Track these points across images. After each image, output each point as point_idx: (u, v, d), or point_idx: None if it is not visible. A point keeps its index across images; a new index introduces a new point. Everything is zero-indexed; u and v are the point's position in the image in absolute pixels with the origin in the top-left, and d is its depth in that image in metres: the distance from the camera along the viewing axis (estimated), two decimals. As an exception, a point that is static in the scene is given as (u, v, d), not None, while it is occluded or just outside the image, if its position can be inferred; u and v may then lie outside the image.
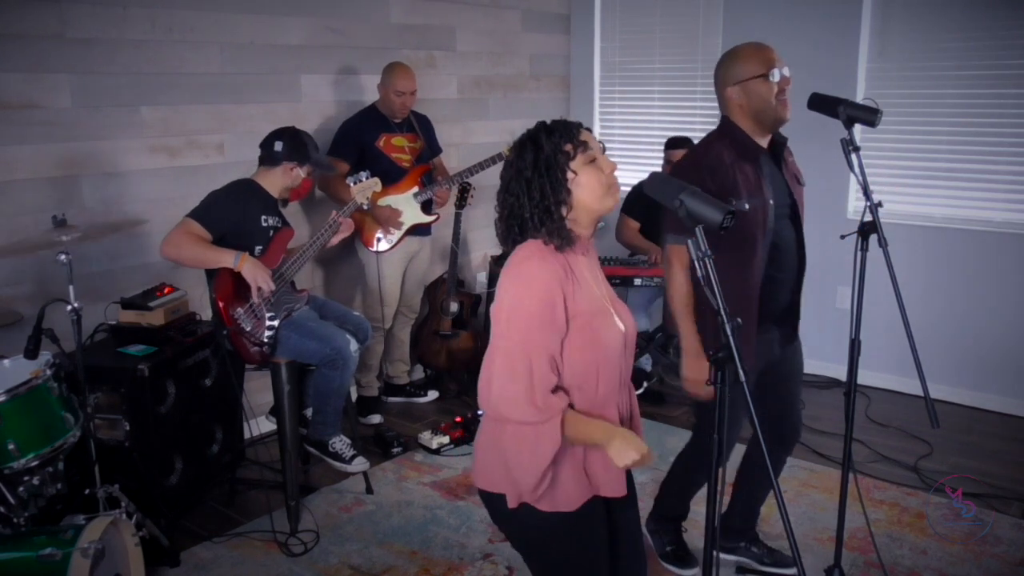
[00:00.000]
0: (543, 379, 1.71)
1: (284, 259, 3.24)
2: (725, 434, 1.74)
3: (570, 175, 1.77)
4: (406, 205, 4.17)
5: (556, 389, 1.75)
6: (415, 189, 4.20)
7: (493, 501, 1.88)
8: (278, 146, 3.22)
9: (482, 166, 4.23)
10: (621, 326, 1.85)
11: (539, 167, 1.77)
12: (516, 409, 1.73)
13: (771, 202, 2.44)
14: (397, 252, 4.21)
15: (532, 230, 1.79)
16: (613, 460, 1.73)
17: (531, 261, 1.76)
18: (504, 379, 1.73)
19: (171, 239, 3.01)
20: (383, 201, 4.09)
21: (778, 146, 2.56)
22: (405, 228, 4.18)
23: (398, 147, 4.18)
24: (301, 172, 3.26)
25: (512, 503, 1.82)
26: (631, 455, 1.72)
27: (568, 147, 1.78)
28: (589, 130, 1.86)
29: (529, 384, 1.70)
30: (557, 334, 1.74)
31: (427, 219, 4.27)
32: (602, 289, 1.89)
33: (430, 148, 4.36)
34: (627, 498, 1.95)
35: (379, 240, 4.13)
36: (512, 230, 1.82)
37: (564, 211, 1.78)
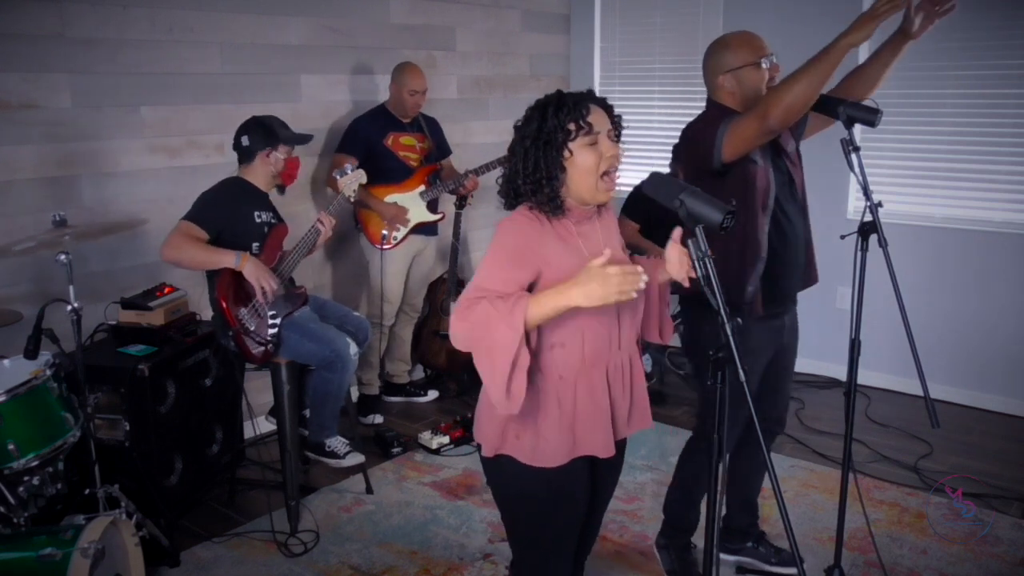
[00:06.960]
0: (480, 294, 1.73)
1: (280, 257, 3.25)
2: (725, 434, 1.74)
3: (566, 154, 1.78)
4: (412, 203, 4.20)
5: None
6: (421, 188, 4.23)
7: (486, 460, 1.94)
8: (245, 140, 3.22)
9: (489, 167, 4.25)
10: None
11: (539, 140, 1.78)
12: (454, 316, 1.75)
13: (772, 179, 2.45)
14: (401, 249, 4.23)
15: (523, 196, 1.83)
16: (589, 302, 1.62)
17: (507, 221, 1.82)
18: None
19: (170, 242, 3.01)
20: (390, 198, 4.13)
21: None
22: (411, 226, 4.21)
23: (407, 146, 4.21)
24: (279, 155, 3.24)
25: (487, 451, 1.89)
26: (598, 290, 1.61)
27: (571, 126, 1.77)
28: (606, 106, 1.83)
29: (468, 296, 1.74)
30: (516, 275, 1.75)
31: (433, 217, 4.30)
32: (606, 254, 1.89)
33: (439, 149, 4.39)
34: (613, 462, 1.97)
35: (384, 237, 4.15)
36: (508, 194, 1.86)
37: (556, 186, 1.79)
